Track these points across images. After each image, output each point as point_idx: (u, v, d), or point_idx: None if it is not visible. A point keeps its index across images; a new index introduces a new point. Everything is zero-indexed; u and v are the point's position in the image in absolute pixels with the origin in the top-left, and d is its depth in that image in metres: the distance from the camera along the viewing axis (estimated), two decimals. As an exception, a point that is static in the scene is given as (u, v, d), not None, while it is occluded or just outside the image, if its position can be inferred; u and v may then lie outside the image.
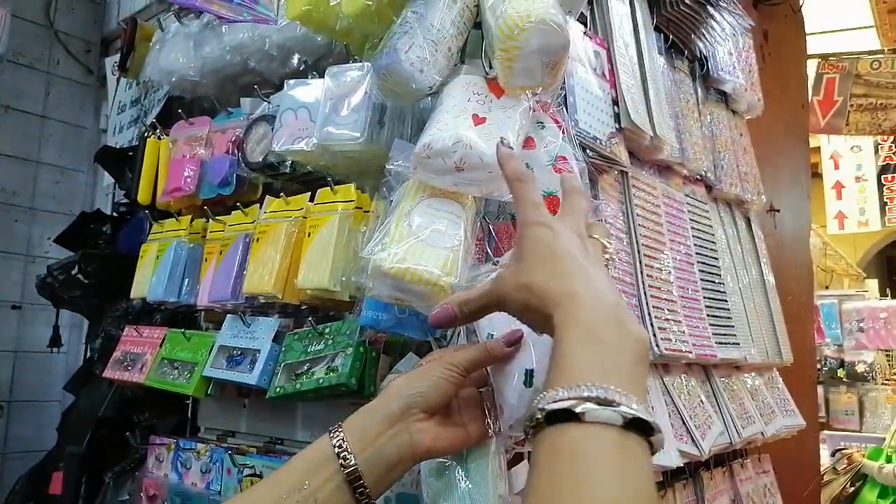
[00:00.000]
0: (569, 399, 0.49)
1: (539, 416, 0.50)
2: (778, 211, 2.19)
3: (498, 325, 0.79)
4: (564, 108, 1.10)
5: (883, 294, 6.59)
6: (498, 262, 0.87)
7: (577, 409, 0.48)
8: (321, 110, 1.17)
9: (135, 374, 1.43)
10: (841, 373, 5.83)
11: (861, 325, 5.99)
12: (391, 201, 0.95)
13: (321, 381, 1.07)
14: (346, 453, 0.69)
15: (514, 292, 0.63)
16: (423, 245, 0.81)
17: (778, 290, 1.96)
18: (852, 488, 4.22)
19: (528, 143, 0.93)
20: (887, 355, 5.89)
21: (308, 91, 1.24)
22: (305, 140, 1.18)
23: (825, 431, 4.93)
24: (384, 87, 1.01)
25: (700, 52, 1.76)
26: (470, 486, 0.77)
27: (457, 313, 0.70)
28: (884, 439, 4.47)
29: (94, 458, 1.64)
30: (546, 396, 0.50)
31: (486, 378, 0.81)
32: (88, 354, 1.91)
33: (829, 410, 5.67)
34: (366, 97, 1.13)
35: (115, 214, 1.96)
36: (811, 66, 4.25)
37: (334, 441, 0.70)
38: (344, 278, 1.07)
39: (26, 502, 1.92)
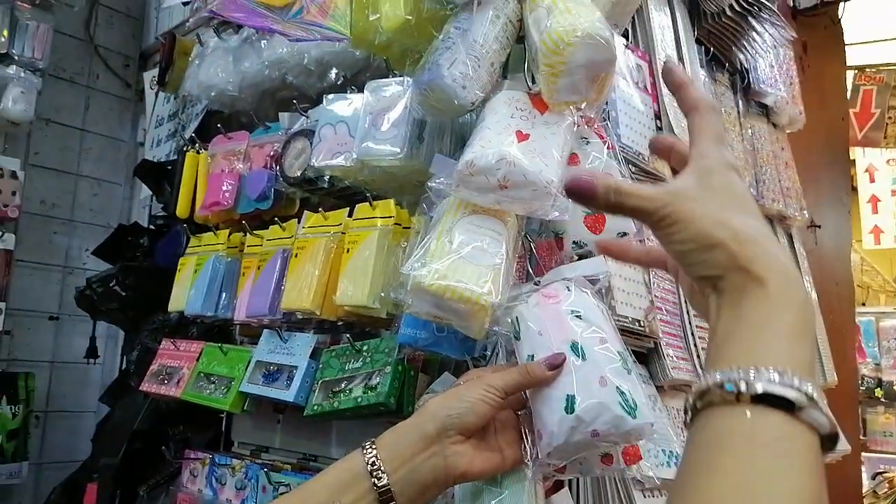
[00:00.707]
0: (786, 387, 0.42)
1: (744, 391, 0.42)
2: (819, 227, 2.13)
3: (539, 346, 0.77)
4: (607, 123, 1.08)
5: (922, 312, 6.40)
6: (539, 282, 0.85)
7: (797, 402, 0.42)
8: (361, 125, 1.17)
9: (171, 388, 1.43)
10: (879, 392, 5.66)
11: (900, 343, 5.82)
12: (431, 217, 0.94)
13: (359, 399, 1.06)
14: (379, 472, 0.67)
15: (704, 220, 0.50)
16: (464, 262, 0.79)
17: (819, 307, 1.90)
18: (894, 513, 4.08)
19: (572, 159, 0.91)
20: (925, 375, 5.70)
21: (346, 106, 1.24)
22: (344, 155, 1.18)
23: (864, 454, 4.79)
24: (426, 102, 1.00)
25: (741, 64, 1.72)
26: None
27: (600, 194, 0.53)
28: (927, 463, 4.32)
29: (129, 471, 1.65)
30: (757, 373, 0.43)
31: (523, 401, 0.78)
32: (124, 366, 1.92)
33: (867, 431, 5.49)
34: (405, 112, 1.12)
35: (152, 227, 1.98)
36: (847, 78, 4.16)
37: (367, 458, 0.67)
38: (383, 294, 1.06)
39: (61, 514, 1.93)
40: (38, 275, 2.23)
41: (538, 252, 0.95)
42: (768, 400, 0.42)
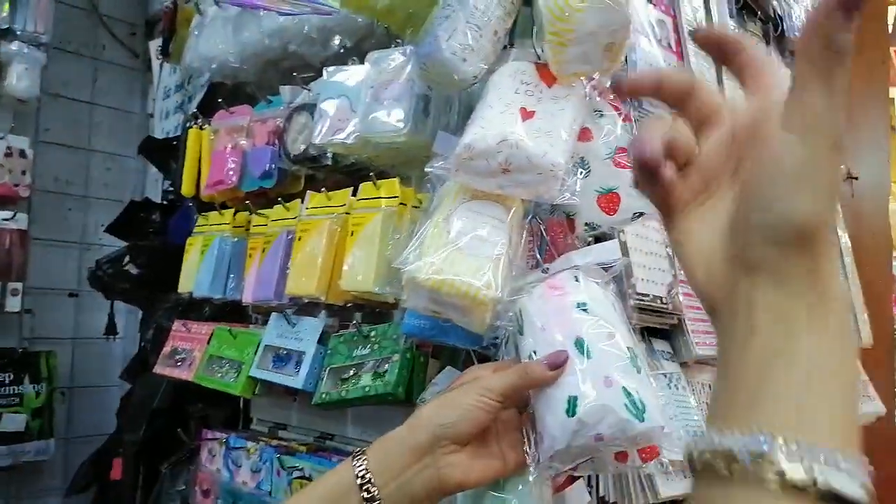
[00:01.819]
0: (855, 481, 0.29)
1: (746, 463, 0.30)
2: (856, 178, 2.01)
3: (541, 342, 0.71)
4: (624, 90, 1.00)
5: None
6: (548, 269, 0.79)
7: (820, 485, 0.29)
8: (362, 99, 1.10)
9: (184, 372, 1.41)
10: (916, 340, 5.51)
11: (939, 290, 5.64)
12: (433, 198, 0.88)
13: (367, 388, 1.02)
14: (368, 485, 0.63)
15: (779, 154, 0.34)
16: (462, 254, 0.74)
17: (854, 262, 1.81)
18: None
19: (584, 134, 0.84)
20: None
21: (348, 78, 1.17)
22: (346, 131, 1.12)
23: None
24: (426, 76, 0.93)
25: (774, 11, 1.60)
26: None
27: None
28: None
29: (150, 449, 1.66)
30: (818, 454, 0.29)
31: (528, 399, 0.74)
32: (142, 344, 1.92)
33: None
34: (409, 84, 1.05)
35: (164, 202, 1.95)
36: (889, 14, 3.91)
37: (357, 471, 0.64)
38: (390, 285, 1.01)
39: (90, 486, 1.97)
40: (56, 252, 2.23)
41: (549, 233, 0.89)
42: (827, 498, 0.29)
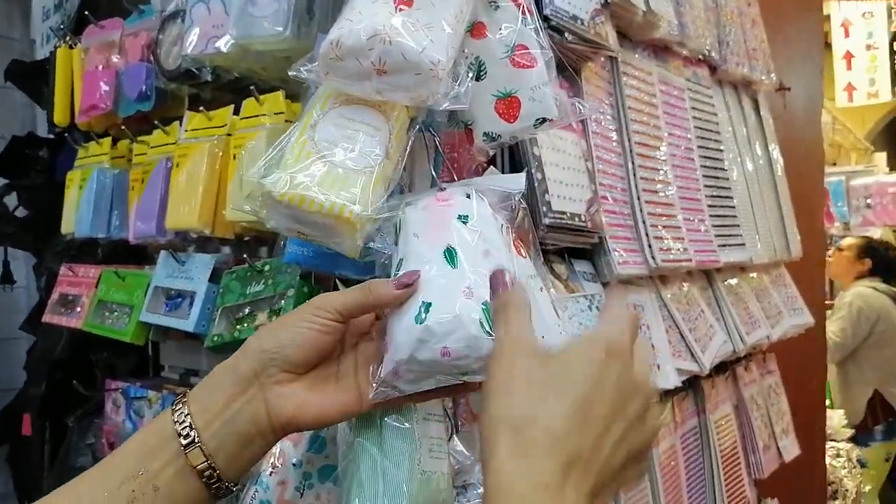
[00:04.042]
0: None
1: None
2: (788, 90, 1.97)
3: (411, 250, 0.62)
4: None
5: (892, 168, 6.37)
6: (445, 188, 0.70)
7: None
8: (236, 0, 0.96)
9: (73, 319, 1.29)
10: (847, 252, 5.70)
11: (868, 201, 5.83)
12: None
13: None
14: (188, 429, 0.54)
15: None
16: (328, 166, 0.63)
17: (787, 174, 1.79)
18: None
19: (477, 30, 0.73)
20: (894, 231, 5.75)
21: (223, -23, 1.02)
22: (222, 39, 0.98)
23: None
24: (297, -35, 0.80)
25: None
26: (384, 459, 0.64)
27: None
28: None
29: (54, 402, 1.55)
30: None
31: None
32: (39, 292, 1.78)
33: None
34: (288, -19, 0.91)
35: (52, 137, 1.76)
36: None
37: (175, 416, 0.55)
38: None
39: (1, 443, 1.86)
40: (-63, 197, 2.01)
41: (445, 148, 0.79)
42: None
